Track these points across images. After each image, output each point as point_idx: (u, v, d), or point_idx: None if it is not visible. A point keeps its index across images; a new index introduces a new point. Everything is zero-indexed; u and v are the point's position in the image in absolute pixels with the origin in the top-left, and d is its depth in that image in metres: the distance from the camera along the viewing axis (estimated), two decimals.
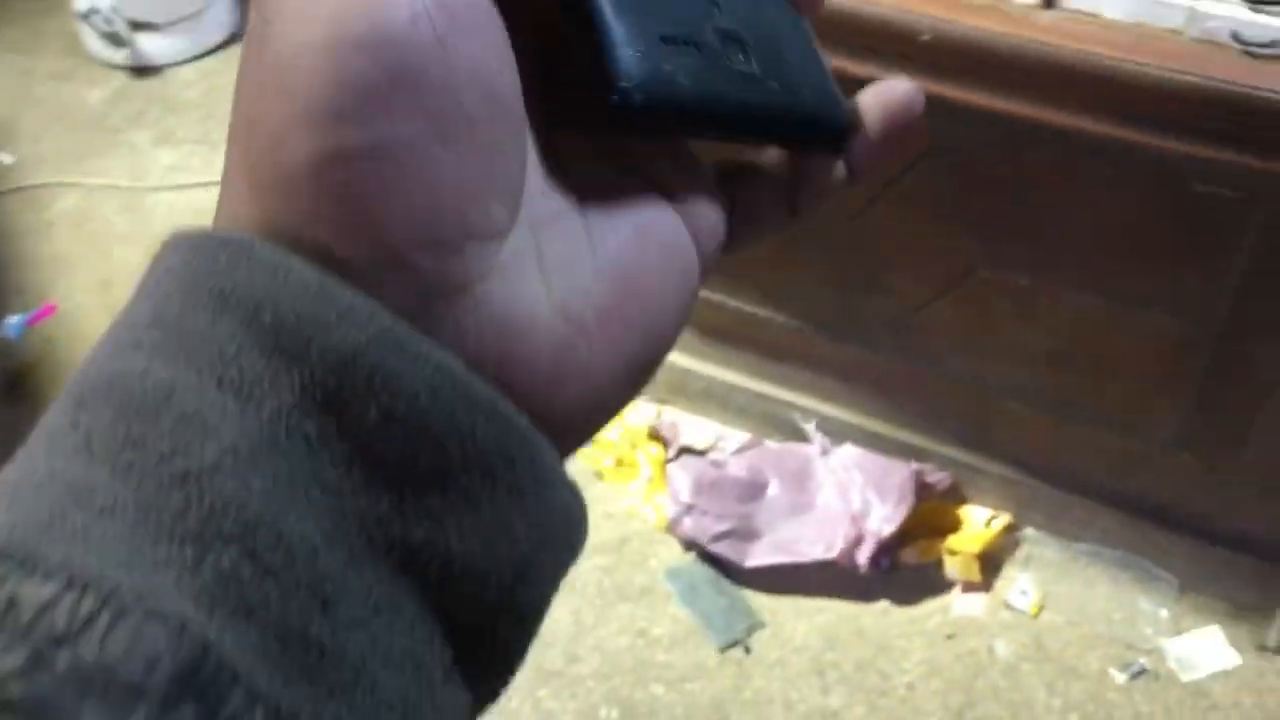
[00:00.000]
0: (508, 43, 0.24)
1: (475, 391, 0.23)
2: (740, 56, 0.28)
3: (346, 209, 0.22)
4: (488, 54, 0.23)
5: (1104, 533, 1.50)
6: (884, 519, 1.47)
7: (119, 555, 0.19)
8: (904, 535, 1.50)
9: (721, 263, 0.29)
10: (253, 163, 0.23)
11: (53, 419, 0.22)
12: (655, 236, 0.27)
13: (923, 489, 1.51)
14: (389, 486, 0.22)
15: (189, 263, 0.23)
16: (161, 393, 0.21)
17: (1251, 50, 1.02)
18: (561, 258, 0.26)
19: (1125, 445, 1.41)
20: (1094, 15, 1.06)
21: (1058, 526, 1.53)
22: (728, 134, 0.28)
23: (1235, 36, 1.02)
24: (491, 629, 0.24)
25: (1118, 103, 1.05)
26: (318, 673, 0.21)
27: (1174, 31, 1.04)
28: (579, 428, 0.26)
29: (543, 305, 0.25)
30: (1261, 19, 1.00)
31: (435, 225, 0.23)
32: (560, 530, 0.24)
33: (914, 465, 1.52)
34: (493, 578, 0.23)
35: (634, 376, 0.27)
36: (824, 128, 0.29)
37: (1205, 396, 1.33)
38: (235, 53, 2.67)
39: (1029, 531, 1.55)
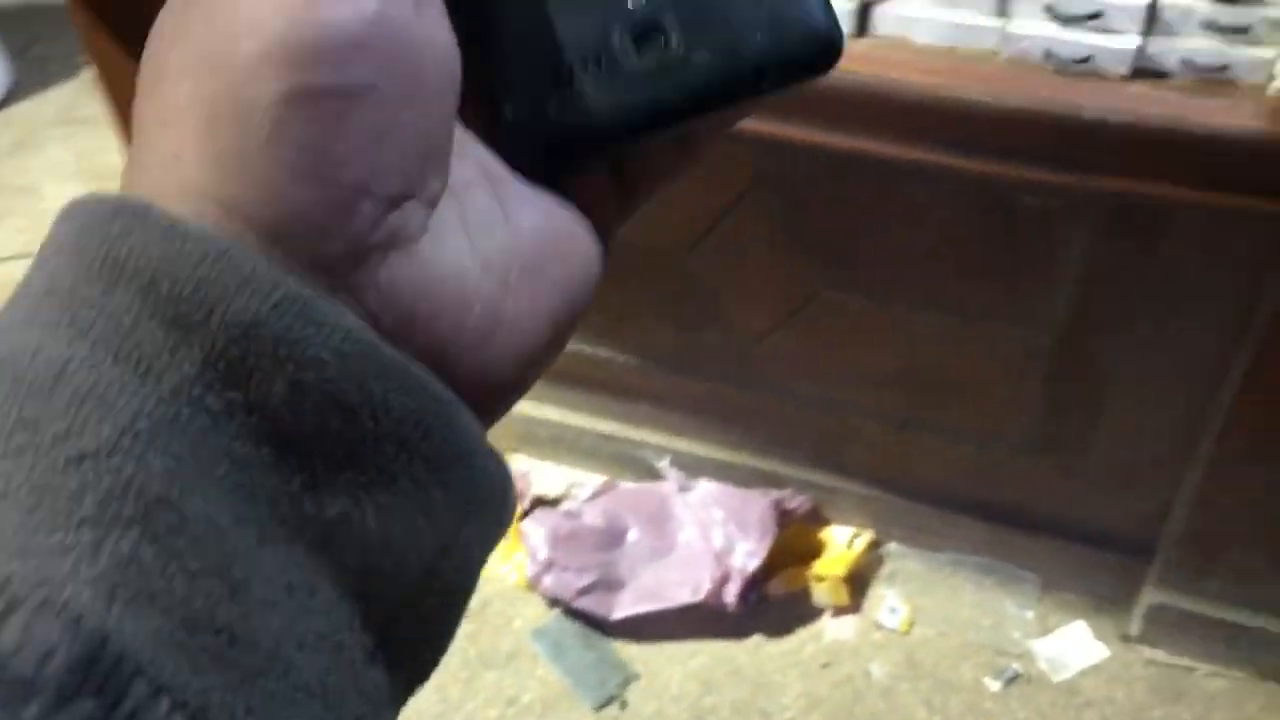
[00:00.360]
0: (451, 25, 0.24)
1: (386, 357, 0.22)
2: (662, 42, 0.26)
3: (308, 147, 0.22)
4: (446, 30, 0.24)
5: (965, 540, 1.49)
6: (748, 554, 1.44)
7: (13, 543, 0.19)
8: (769, 567, 1.46)
9: None
10: (212, 99, 0.22)
11: None
12: (560, 201, 0.27)
13: (783, 516, 1.49)
14: (300, 462, 0.21)
15: (84, 230, 0.22)
16: (54, 370, 0.20)
17: (1064, 68, 1.00)
18: (481, 219, 0.25)
19: (979, 453, 1.41)
20: (906, 42, 1.03)
21: (919, 539, 1.52)
22: (668, 129, 0.27)
23: (1048, 55, 1.00)
24: (415, 608, 0.23)
25: (938, 129, 1.02)
26: (228, 659, 0.20)
27: (988, 54, 1.02)
28: (507, 386, 0.25)
29: (469, 261, 0.24)
30: (1072, 36, 0.99)
31: (388, 177, 0.23)
32: (485, 500, 0.24)
33: (773, 494, 1.49)
34: (413, 555, 0.22)
35: (558, 330, 0.26)
36: (791, 62, 0.26)
37: (1052, 400, 1.33)
38: (10, 112, 2.50)
39: (892, 546, 1.54)
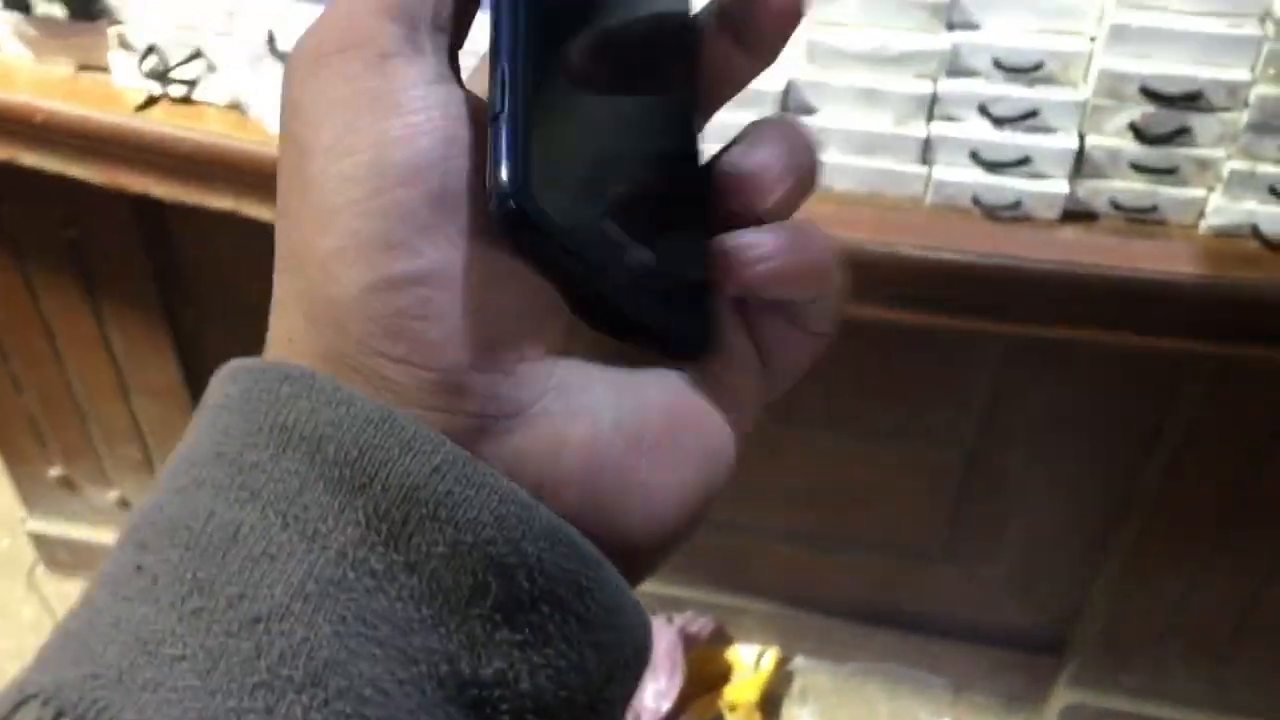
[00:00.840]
0: None
1: (541, 519, 0.22)
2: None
3: (398, 337, 0.22)
4: None
5: (873, 650, 1.45)
6: (659, 694, 1.35)
7: (191, 709, 0.20)
8: (680, 698, 1.38)
9: None
10: (304, 295, 0.23)
11: (115, 564, 0.22)
12: (688, 380, 0.26)
13: (688, 640, 1.41)
14: (459, 622, 0.22)
15: (248, 395, 0.23)
16: (227, 534, 0.21)
17: (993, 213, 0.95)
18: (617, 379, 0.25)
19: (886, 565, 1.37)
20: (826, 191, 0.96)
21: (828, 651, 1.47)
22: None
23: (975, 201, 0.95)
24: None
25: (865, 284, 0.96)
26: None
27: (913, 200, 0.96)
28: (645, 555, 0.25)
29: (602, 423, 0.24)
30: (999, 181, 0.94)
31: (486, 348, 0.23)
32: (631, 656, 0.24)
33: (677, 623, 1.41)
34: (565, 713, 0.22)
35: (694, 505, 0.25)
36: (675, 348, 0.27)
37: (960, 511, 1.29)
38: None
39: (800, 661, 1.48)
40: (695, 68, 0.29)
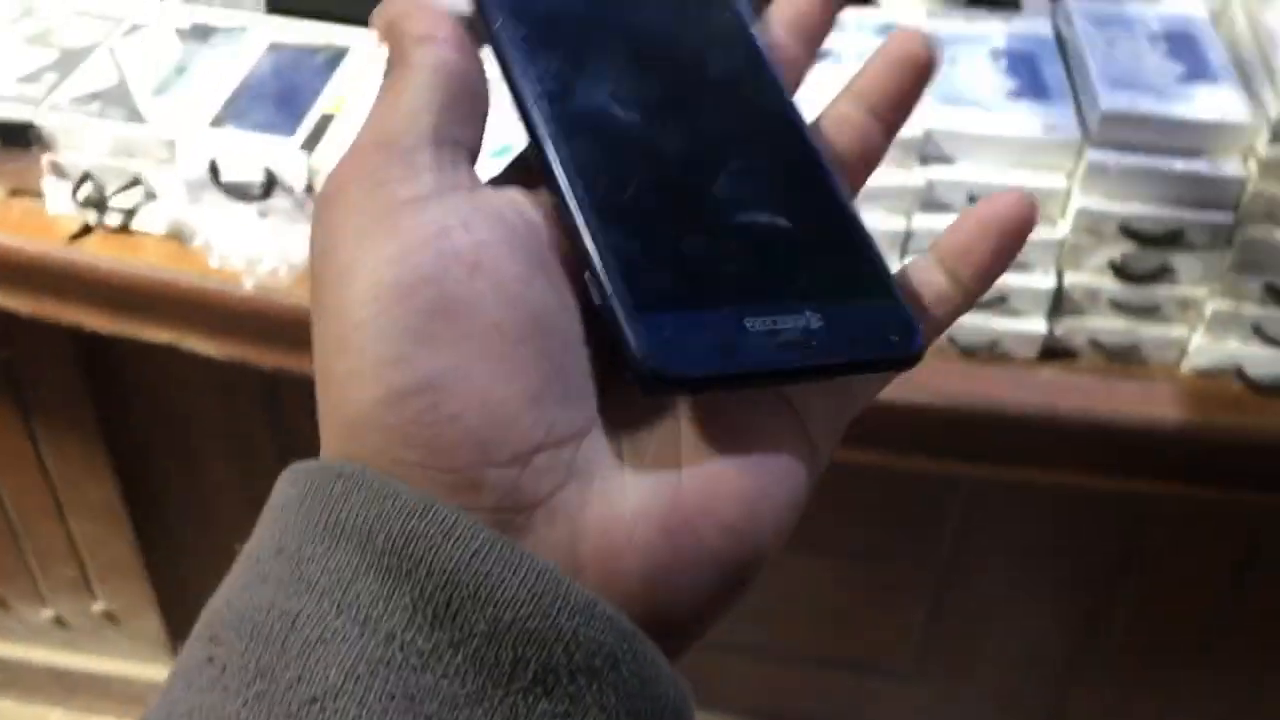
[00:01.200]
0: (536, 265, 0.26)
1: (576, 595, 0.23)
2: (794, 323, 0.27)
3: (413, 444, 0.24)
4: (514, 279, 0.25)
5: None
6: None
7: None
8: None
9: None
10: (329, 415, 0.25)
11: (188, 657, 0.24)
12: (757, 432, 0.27)
13: None
14: (502, 696, 0.23)
15: (304, 495, 0.24)
16: (286, 623, 0.23)
17: (971, 352, 0.92)
18: (651, 456, 0.26)
19: (857, 684, 1.32)
20: None
21: None
22: (768, 384, 0.27)
23: (952, 340, 0.91)
24: None
25: None
26: None
27: None
28: (677, 628, 0.25)
29: (626, 507, 0.25)
30: (977, 321, 0.90)
31: (500, 443, 0.24)
32: None
33: None
34: None
35: (729, 581, 0.26)
36: (880, 363, 0.28)
37: (932, 633, 1.26)
38: None
39: None
40: (759, 89, 0.30)
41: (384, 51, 0.28)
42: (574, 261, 0.26)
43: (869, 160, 0.31)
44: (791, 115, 0.30)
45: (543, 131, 0.27)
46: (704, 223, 0.27)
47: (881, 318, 0.28)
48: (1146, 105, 0.86)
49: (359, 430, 0.24)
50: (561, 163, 0.27)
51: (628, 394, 0.26)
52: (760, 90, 0.31)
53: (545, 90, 0.28)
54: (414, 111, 0.27)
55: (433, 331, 0.24)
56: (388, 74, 0.28)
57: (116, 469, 1.24)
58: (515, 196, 0.27)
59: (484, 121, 0.28)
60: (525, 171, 0.28)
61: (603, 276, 0.25)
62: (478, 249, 0.25)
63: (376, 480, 0.23)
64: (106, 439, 1.21)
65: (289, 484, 0.25)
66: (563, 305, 0.26)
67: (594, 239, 0.26)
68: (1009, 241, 0.29)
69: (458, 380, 0.24)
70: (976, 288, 0.29)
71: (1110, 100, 0.86)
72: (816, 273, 0.28)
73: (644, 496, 0.25)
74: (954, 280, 0.29)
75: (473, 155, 0.28)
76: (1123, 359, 0.91)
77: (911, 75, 0.31)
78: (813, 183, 0.29)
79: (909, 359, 0.27)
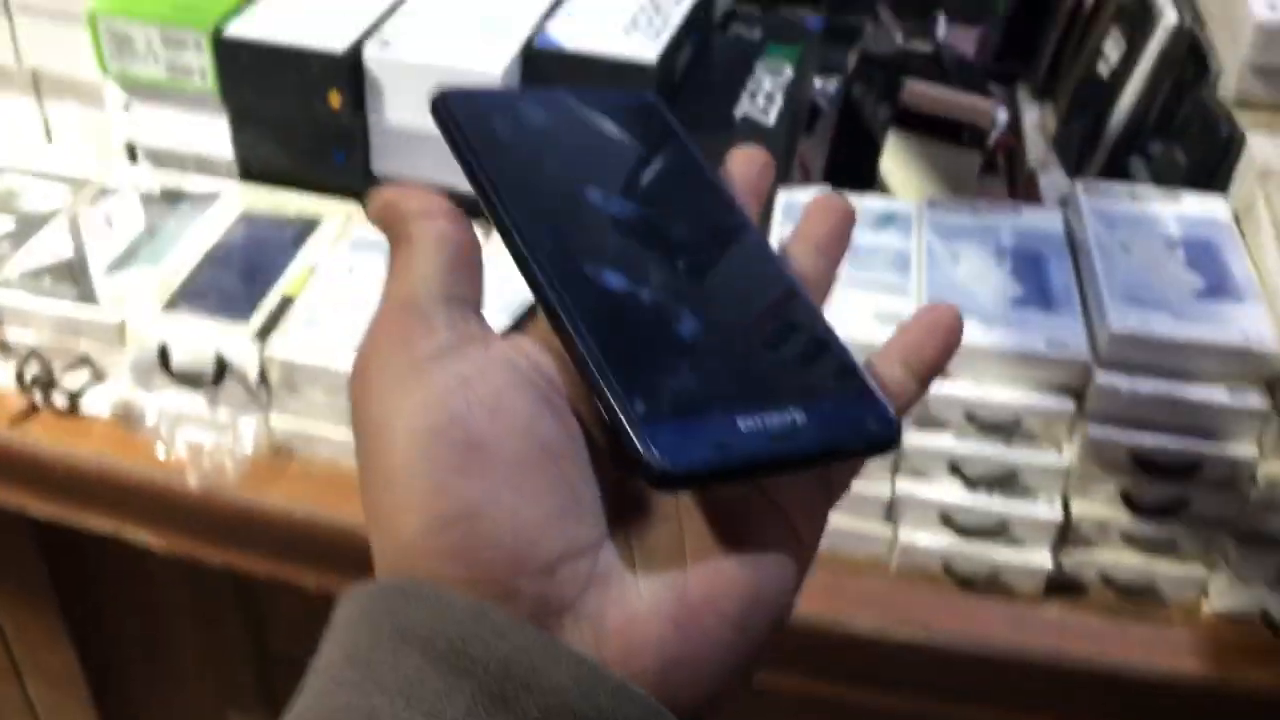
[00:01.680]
0: (544, 403, 0.30)
1: (613, 679, 0.27)
2: (780, 417, 0.30)
3: (457, 561, 0.27)
4: (527, 417, 0.29)
5: None
6: None
7: None
8: None
9: None
10: (379, 539, 0.29)
11: None
12: (751, 532, 0.30)
13: None
14: None
15: (370, 610, 0.28)
16: (364, 717, 0.26)
17: (968, 583, 0.84)
18: (658, 559, 0.30)
19: None
20: None
21: None
22: (752, 478, 0.31)
23: (947, 569, 0.84)
24: None
25: (812, 666, 0.84)
26: None
27: (876, 564, 0.85)
28: (693, 715, 0.28)
29: (641, 606, 0.28)
30: (974, 549, 0.82)
31: (527, 555, 0.28)
32: None
33: None
34: None
35: (737, 666, 0.29)
36: (858, 448, 0.32)
37: None
38: None
39: None
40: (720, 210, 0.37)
41: (376, 232, 0.33)
42: (576, 395, 0.31)
43: (821, 288, 0.37)
44: (759, 240, 0.36)
45: (548, 292, 0.31)
46: (694, 342, 0.32)
47: (859, 408, 0.32)
48: (1160, 326, 0.79)
49: (410, 552, 0.28)
50: (566, 311, 0.31)
51: (632, 507, 0.31)
52: (730, 222, 0.36)
53: (546, 254, 0.32)
54: (425, 277, 0.31)
55: (465, 465, 0.28)
56: (394, 248, 0.33)
57: (72, 634, 1.18)
58: (522, 344, 0.31)
59: (482, 279, 0.33)
60: (531, 315, 0.33)
61: (611, 399, 0.29)
62: (496, 395, 0.29)
63: (432, 593, 0.27)
64: (60, 604, 1.15)
65: (353, 603, 0.29)
66: (570, 436, 0.30)
67: (599, 370, 0.30)
68: (952, 340, 0.35)
69: (490, 505, 0.28)
70: (928, 378, 0.34)
71: (1120, 320, 0.79)
72: (798, 374, 0.32)
73: (655, 595, 0.29)
74: (909, 373, 0.34)
75: (477, 308, 0.32)
76: (1136, 597, 0.83)
77: (841, 221, 0.38)
78: (785, 297, 0.34)
79: (888, 441, 0.31)
